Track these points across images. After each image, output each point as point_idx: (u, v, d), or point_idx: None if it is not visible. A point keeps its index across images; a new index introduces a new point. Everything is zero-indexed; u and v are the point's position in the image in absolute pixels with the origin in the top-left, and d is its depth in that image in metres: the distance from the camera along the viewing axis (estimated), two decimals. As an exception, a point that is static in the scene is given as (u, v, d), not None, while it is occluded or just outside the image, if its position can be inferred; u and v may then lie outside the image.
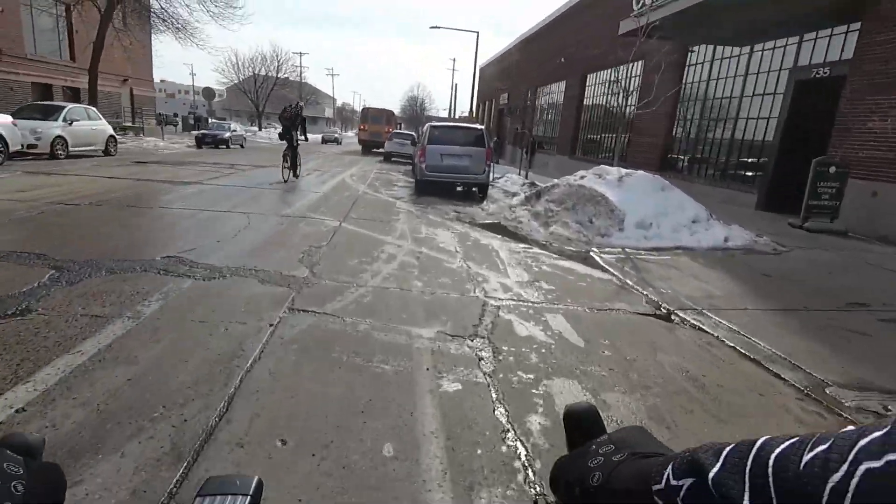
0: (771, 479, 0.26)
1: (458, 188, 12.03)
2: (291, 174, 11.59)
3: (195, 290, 3.85)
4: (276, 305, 3.71)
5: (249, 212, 7.33)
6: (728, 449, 0.29)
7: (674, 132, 14.37)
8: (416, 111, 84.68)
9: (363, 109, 34.99)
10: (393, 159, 23.86)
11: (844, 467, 0.23)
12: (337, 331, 3.36)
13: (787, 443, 0.27)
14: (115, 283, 3.83)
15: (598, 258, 6.38)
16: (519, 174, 16.22)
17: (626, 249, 6.96)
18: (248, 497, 0.35)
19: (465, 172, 11.25)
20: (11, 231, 5.16)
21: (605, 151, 18.81)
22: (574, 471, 0.38)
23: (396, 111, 38.93)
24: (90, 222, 5.94)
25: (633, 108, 12.27)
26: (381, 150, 29.06)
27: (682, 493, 0.30)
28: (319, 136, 46.06)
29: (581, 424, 0.42)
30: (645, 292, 5.01)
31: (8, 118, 10.95)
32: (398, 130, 29.10)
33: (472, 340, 3.41)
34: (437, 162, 11.12)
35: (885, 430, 0.23)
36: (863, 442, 0.23)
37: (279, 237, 6.01)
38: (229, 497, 0.34)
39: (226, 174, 12.21)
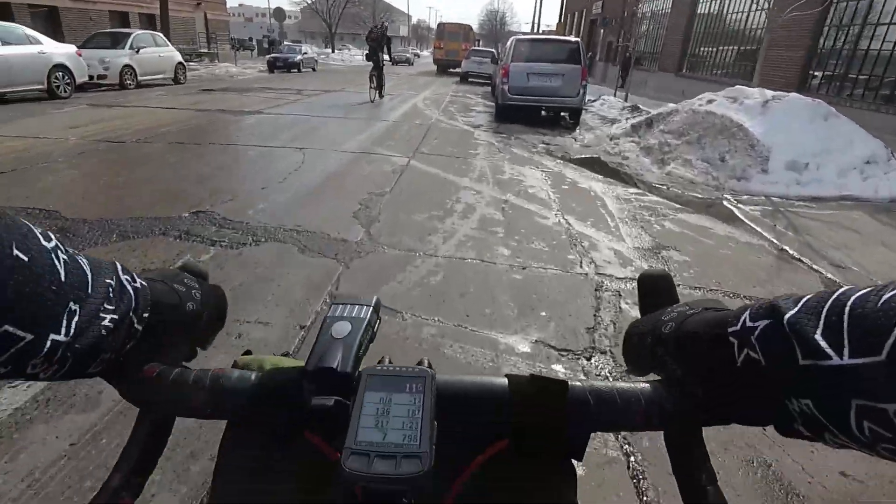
0: (846, 317, 0.26)
1: (543, 113, 10.40)
2: (377, 94, 11.98)
3: (213, 267, 2.95)
4: (316, 290, 2.75)
5: (306, 147, 6.38)
6: (808, 296, 0.29)
7: (820, 43, 11.46)
8: (494, 27, 79.13)
9: (438, 25, 32.30)
10: (470, 80, 21.97)
11: None
12: (392, 339, 2.35)
13: (865, 290, 0.26)
14: (120, 254, 3.02)
15: (736, 211, 4.87)
16: (615, 96, 14.04)
17: (773, 198, 5.34)
18: (371, 307, 0.41)
19: (554, 95, 9.54)
20: (38, 179, 4.53)
21: (722, 68, 15.90)
22: (647, 325, 0.40)
23: (474, 27, 35.52)
24: (128, 165, 5.24)
25: (769, 9, 9.67)
26: (457, 69, 26.83)
27: (756, 333, 0.30)
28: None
29: (655, 290, 0.42)
30: (817, 267, 3.57)
31: (72, 48, 10.49)
32: (476, 48, 26.49)
33: (588, 359, 2.29)
34: (523, 83, 9.49)
35: None
36: None
37: (335, 181, 5.03)
38: (357, 306, 0.40)
39: (291, 101, 11.33)
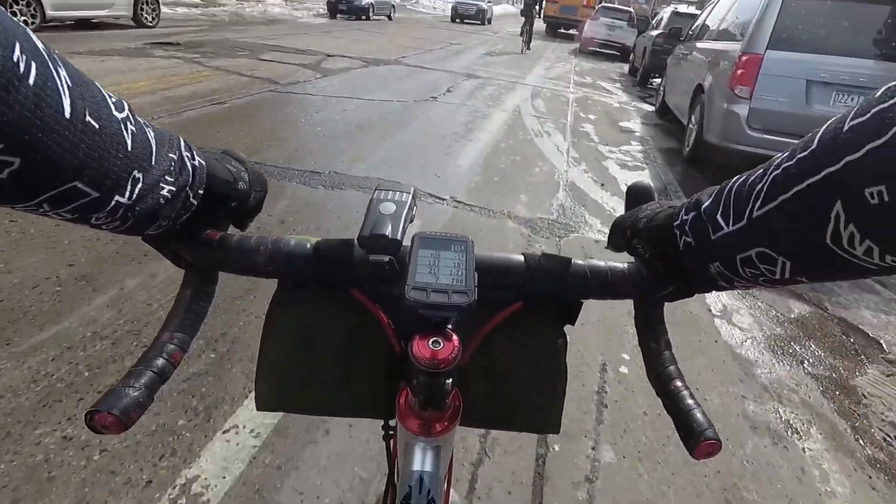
0: (731, 198, 0.35)
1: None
2: (526, 46, 13.43)
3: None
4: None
5: None
6: (716, 188, 0.37)
7: None
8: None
9: None
10: (594, 53, 15.73)
11: (764, 177, 0.32)
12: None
13: (745, 175, 0.35)
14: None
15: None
16: None
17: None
18: (411, 195, 0.44)
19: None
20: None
21: None
22: (629, 219, 0.47)
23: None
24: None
25: None
26: (571, 32, 20.06)
27: (688, 223, 0.38)
28: (448, 6, 28.07)
29: (637, 196, 0.49)
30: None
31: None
32: (607, 3, 18.05)
33: None
34: (795, 108, 3.84)
35: (788, 151, 0.31)
36: (776, 160, 0.31)
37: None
38: (398, 192, 0.44)
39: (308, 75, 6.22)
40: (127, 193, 0.31)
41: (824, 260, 0.29)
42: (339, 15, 17.40)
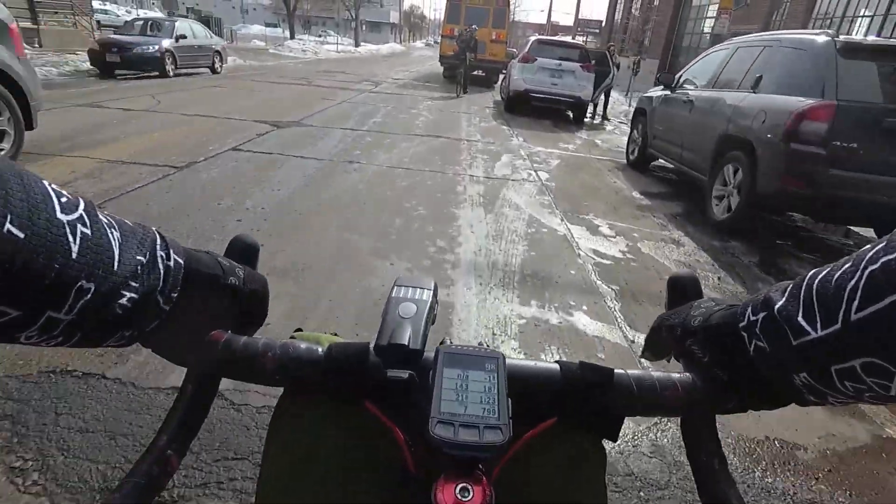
0: (814, 297, 0.31)
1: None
2: (462, 90, 14.20)
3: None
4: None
5: None
6: (790, 285, 0.34)
7: None
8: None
9: None
10: (535, 111, 12.14)
11: (857, 273, 0.28)
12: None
13: (827, 269, 0.31)
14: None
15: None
16: None
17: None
18: (431, 291, 0.44)
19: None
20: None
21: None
22: (677, 318, 0.44)
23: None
24: None
25: None
26: (478, 74, 17.79)
27: (758, 325, 0.34)
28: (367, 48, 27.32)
29: (683, 289, 0.46)
30: None
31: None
32: (543, 37, 13.81)
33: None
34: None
35: (884, 242, 0.28)
36: (870, 253, 0.28)
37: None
38: (418, 289, 0.44)
39: None
40: (66, 307, 0.28)
41: None
42: (116, 71, 11.90)
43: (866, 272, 0.27)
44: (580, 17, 36.82)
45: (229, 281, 0.41)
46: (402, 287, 0.43)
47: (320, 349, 0.41)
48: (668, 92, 6.67)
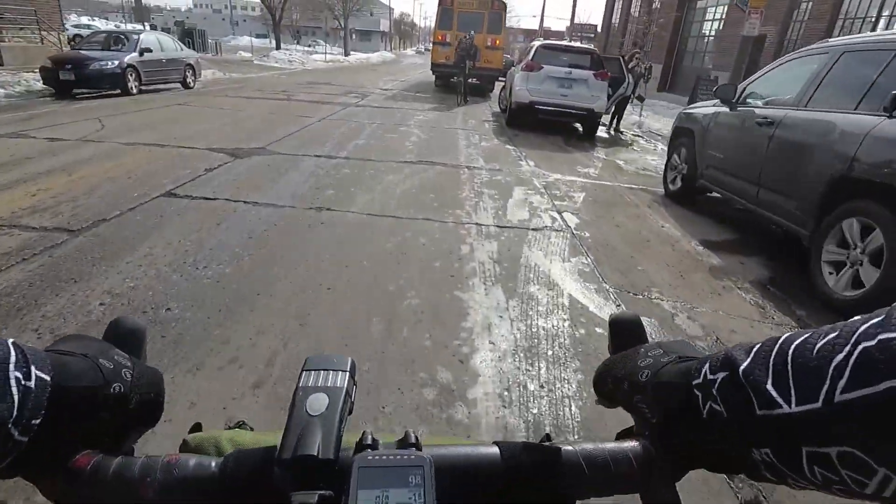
0: (790, 365, 0.27)
1: None
2: (463, 99, 13.93)
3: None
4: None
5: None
6: (757, 345, 0.30)
7: None
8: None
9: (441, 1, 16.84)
10: (544, 127, 10.56)
11: (847, 348, 0.25)
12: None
13: (805, 335, 0.28)
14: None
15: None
16: None
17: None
18: (347, 372, 0.36)
19: None
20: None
21: None
22: (623, 368, 0.40)
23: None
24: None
25: None
26: (477, 82, 16.14)
27: (716, 385, 0.31)
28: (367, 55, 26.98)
29: (626, 331, 0.43)
30: None
31: None
32: (550, 42, 11.66)
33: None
34: None
35: (882, 317, 0.25)
36: (863, 327, 0.25)
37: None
38: (331, 373, 0.36)
39: None
40: None
41: None
42: (75, 90, 10.78)
43: (858, 348, 0.25)
44: (574, 21, 35.28)
45: (112, 390, 0.34)
46: (312, 372, 0.36)
47: (214, 462, 0.35)
48: (725, 108, 5.19)
